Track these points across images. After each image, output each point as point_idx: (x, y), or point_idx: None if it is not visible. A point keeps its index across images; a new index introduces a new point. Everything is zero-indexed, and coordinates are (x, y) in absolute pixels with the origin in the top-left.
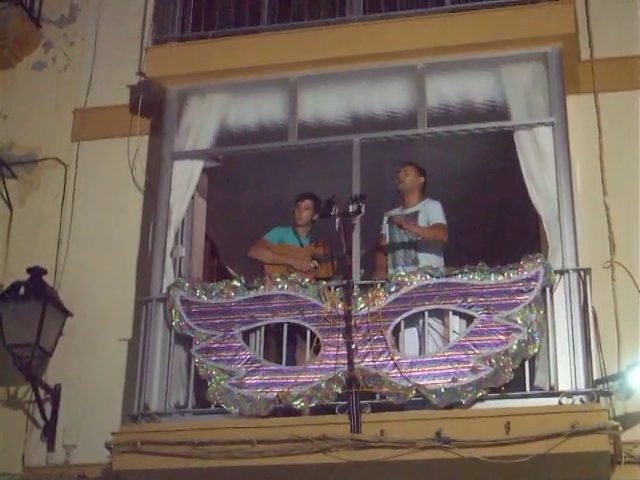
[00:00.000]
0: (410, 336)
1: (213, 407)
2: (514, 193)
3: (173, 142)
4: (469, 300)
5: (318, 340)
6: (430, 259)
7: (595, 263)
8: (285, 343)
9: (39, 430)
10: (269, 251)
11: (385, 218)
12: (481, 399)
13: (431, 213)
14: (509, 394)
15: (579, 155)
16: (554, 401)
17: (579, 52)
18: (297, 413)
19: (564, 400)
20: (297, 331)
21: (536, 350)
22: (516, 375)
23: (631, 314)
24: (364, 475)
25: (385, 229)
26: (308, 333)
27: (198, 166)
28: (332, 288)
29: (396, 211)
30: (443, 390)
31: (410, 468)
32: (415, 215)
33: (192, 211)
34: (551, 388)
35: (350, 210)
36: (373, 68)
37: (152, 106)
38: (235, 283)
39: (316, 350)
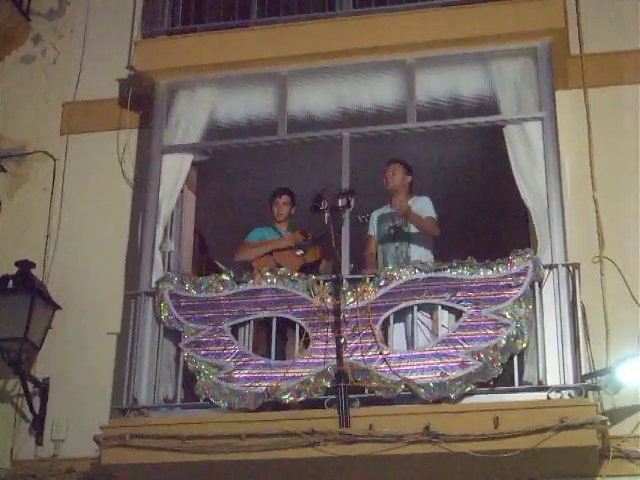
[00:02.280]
0: (399, 330)
1: (202, 401)
2: (503, 188)
3: (162, 136)
4: (458, 295)
5: (307, 334)
6: (422, 256)
7: (584, 258)
8: (274, 337)
9: (27, 424)
10: (253, 249)
11: (374, 218)
12: (470, 394)
13: (422, 208)
14: (498, 389)
15: (568, 150)
16: (543, 396)
17: (568, 47)
18: (286, 407)
19: (552, 395)
20: (287, 325)
21: (525, 345)
22: (505, 370)
23: (620, 309)
24: (353, 469)
25: (373, 229)
26: (297, 327)
27: (187, 160)
28: (321, 282)
29: (385, 209)
30: (432, 384)
31: (399, 462)
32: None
33: (181, 205)
34: (540, 383)
35: (339, 204)
36: (363, 62)
37: (141, 100)
38: (224, 277)
39: (305, 344)
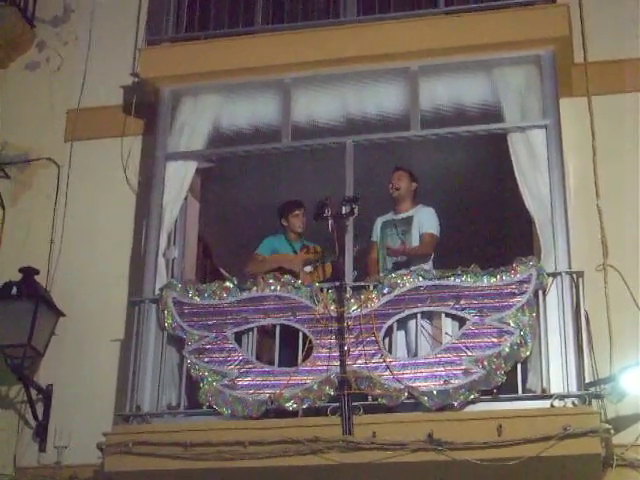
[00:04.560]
0: (402, 338)
1: (205, 408)
2: (507, 196)
3: (166, 143)
4: (462, 302)
5: (310, 342)
6: (420, 263)
7: (588, 266)
8: (277, 344)
9: (31, 430)
10: (263, 264)
11: (377, 223)
12: (473, 401)
13: (424, 221)
14: (501, 396)
15: (572, 158)
16: (546, 404)
17: (572, 55)
18: (289, 415)
19: (556, 403)
20: (295, 334)
21: (528, 353)
22: (508, 378)
23: (623, 317)
24: (356, 477)
25: (376, 235)
26: (300, 335)
27: (191, 167)
28: (325, 290)
29: (389, 216)
30: (435, 392)
31: (402, 470)
32: (409, 220)
33: (185, 212)
34: (543, 391)
35: (343, 212)
36: (366, 70)
37: (145, 107)
38: (228, 284)
39: (308, 352)
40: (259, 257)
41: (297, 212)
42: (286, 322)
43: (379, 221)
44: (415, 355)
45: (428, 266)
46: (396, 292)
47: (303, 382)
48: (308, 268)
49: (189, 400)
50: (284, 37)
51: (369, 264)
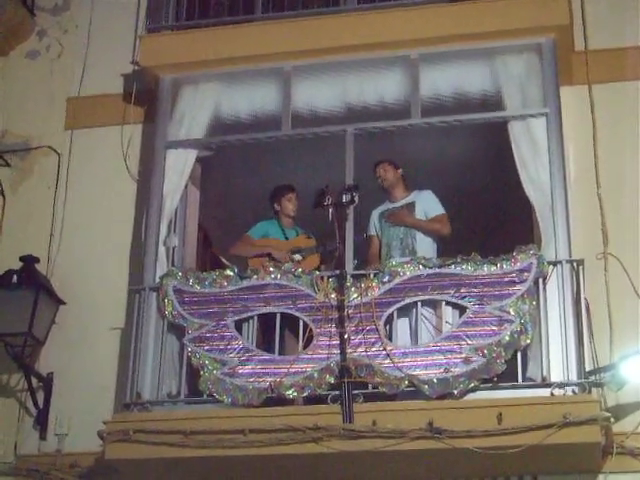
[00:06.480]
0: (402, 326)
1: (205, 396)
2: (507, 184)
3: (166, 131)
4: (462, 290)
5: (311, 330)
6: (427, 248)
7: (588, 254)
8: (278, 333)
9: (31, 419)
10: (250, 246)
11: (374, 216)
12: (473, 390)
13: (428, 205)
14: (501, 385)
15: (573, 146)
16: (546, 392)
17: (573, 43)
18: (289, 403)
19: (556, 391)
20: (286, 320)
21: (528, 341)
22: (508, 366)
23: (624, 305)
24: (356, 465)
25: (374, 227)
26: (301, 323)
27: (191, 155)
28: (325, 278)
29: (385, 206)
30: (435, 380)
31: (402, 458)
32: (411, 206)
33: (185, 200)
34: (543, 379)
35: (343, 200)
36: (367, 58)
37: (146, 95)
38: (228, 272)
39: (308, 340)
40: (248, 239)
41: (290, 195)
42: (286, 310)
43: (375, 214)
44: (416, 343)
45: (433, 250)
46: (396, 280)
47: (303, 370)
48: (297, 256)
49: (189, 388)
50: (284, 25)
51: (370, 259)
